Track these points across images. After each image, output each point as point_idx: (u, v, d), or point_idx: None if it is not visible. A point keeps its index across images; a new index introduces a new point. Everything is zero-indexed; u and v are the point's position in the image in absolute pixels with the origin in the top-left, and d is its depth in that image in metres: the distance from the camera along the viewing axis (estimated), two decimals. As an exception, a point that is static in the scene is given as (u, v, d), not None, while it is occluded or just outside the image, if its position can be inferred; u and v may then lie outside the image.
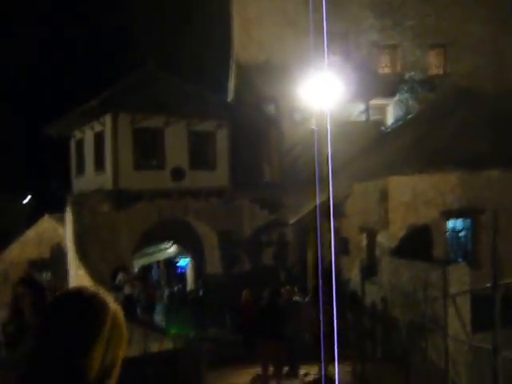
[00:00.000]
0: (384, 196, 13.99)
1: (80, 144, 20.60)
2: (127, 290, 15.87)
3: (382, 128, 22.59)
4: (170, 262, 32.94)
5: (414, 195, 13.78)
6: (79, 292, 1.71)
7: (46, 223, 25.60)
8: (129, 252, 18.54)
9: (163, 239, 22.01)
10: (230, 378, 11.39)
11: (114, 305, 1.73)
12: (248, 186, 20.22)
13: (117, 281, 16.35)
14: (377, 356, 13.19)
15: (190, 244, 21.92)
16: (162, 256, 30.42)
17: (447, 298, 9.88)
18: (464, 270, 11.24)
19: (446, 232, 14.10)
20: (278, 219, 20.24)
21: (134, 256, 27.97)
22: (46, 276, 24.93)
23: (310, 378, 10.79)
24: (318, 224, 14.19)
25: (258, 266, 20.71)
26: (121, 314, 1.74)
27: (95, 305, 1.67)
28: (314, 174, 17.94)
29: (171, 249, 27.08)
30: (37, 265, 25.02)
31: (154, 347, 13.30)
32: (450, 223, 14.31)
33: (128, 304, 15.73)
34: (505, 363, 3.82)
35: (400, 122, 22.27)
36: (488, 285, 4.04)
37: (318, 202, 13.74)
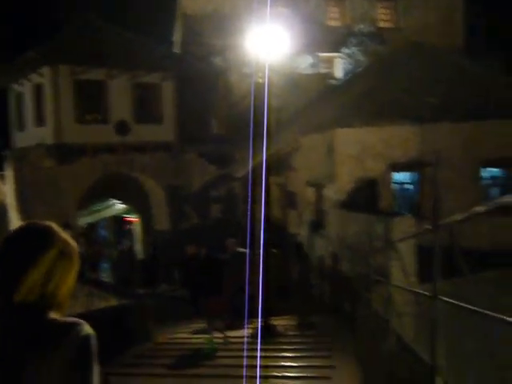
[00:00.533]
0: (331, 149, 13.92)
1: (19, 97, 19.67)
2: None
3: (331, 81, 22.42)
4: (118, 220, 32.42)
5: (362, 148, 13.75)
6: (32, 222, 1.83)
7: (-13, 181, 24.64)
8: (73, 209, 18.04)
9: (109, 195, 21.52)
10: (175, 333, 11.31)
11: (66, 235, 1.81)
12: (196, 140, 19.86)
13: (60, 238, 15.87)
14: (323, 309, 13.35)
15: (138, 200, 21.52)
16: (109, 213, 29.88)
17: (391, 248, 10.00)
18: (410, 222, 11.33)
19: (392, 185, 14.19)
20: (227, 173, 20.04)
21: (81, 213, 27.49)
22: (-11, 235, 24.20)
23: (253, 326, 10.84)
24: (264, 178, 14.06)
25: (207, 221, 20.56)
26: (73, 246, 1.83)
27: (41, 230, 1.78)
28: (261, 128, 17.75)
29: (119, 206, 26.58)
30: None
31: (100, 305, 13.07)
32: (397, 176, 14.41)
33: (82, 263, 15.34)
34: (445, 310, 3.78)
35: (349, 76, 22.13)
36: (428, 227, 3.97)
37: (264, 156, 13.56)
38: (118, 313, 11.50)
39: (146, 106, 19.19)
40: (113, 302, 13.27)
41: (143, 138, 18.78)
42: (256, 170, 18.20)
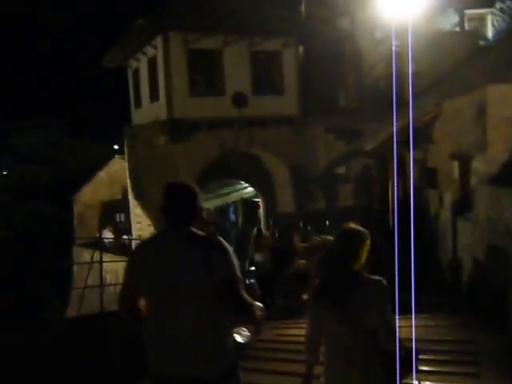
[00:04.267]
0: (482, 111, 11.19)
1: (136, 73, 18.90)
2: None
3: (481, 41, 19.12)
4: (249, 203, 31.29)
5: (522, 109, 10.89)
6: (354, 228, 3.63)
7: (116, 164, 24.61)
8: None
9: (228, 175, 20.15)
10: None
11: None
12: (321, 114, 17.81)
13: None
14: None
15: (259, 180, 19.98)
16: (238, 196, 28.88)
17: None
18: None
19: None
20: (356, 150, 17.78)
21: (207, 196, 26.62)
22: (119, 218, 24.14)
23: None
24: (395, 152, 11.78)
25: (335, 203, 18.50)
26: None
27: (360, 233, 3.58)
28: (397, 96, 15.24)
29: (248, 189, 25.38)
30: (110, 207, 24.31)
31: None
32: None
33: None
34: None
35: (503, 33, 18.73)
36: None
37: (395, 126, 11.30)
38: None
39: (265, 76, 17.42)
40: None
41: (263, 112, 17.07)
42: (390, 145, 15.81)
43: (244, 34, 16.58)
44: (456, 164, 12.76)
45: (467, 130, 11.97)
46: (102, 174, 24.70)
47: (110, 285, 16.33)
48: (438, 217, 13.98)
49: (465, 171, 12.24)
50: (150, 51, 16.98)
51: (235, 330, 3.14)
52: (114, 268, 17.47)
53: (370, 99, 17.97)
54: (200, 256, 2.85)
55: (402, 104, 16.67)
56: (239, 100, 16.79)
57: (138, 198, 16.24)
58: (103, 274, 19.22)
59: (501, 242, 9.94)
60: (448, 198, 13.19)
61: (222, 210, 31.76)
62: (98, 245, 20.11)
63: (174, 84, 16.03)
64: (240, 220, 32.92)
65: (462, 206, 12.22)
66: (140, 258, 3.11)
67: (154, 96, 17.15)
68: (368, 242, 3.43)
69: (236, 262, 2.97)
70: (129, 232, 19.63)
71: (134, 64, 18.97)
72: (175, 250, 2.97)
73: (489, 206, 10.61)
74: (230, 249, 2.95)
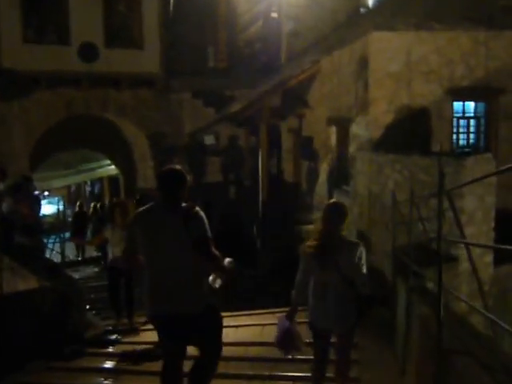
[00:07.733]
0: (363, 64, 9.46)
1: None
2: (4, 206, 11.34)
3: (362, 8, 17.67)
4: (115, 180, 28.56)
5: (408, 63, 9.28)
6: (337, 203, 4.45)
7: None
8: (24, 158, 13.91)
9: (79, 145, 17.33)
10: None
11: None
12: (189, 74, 15.53)
13: (-6, 196, 11.79)
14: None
15: (118, 152, 17.41)
16: (104, 173, 26.07)
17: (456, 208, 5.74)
18: (489, 164, 6.97)
19: (451, 117, 9.72)
20: (227, 117, 15.70)
21: (67, 172, 23.58)
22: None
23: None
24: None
25: (202, 178, 16.36)
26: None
27: (342, 208, 4.39)
28: (272, 59, 13.10)
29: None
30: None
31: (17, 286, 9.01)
32: (457, 106, 9.92)
33: (7, 227, 11.32)
34: None
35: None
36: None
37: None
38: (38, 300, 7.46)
39: (121, 26, 14.74)
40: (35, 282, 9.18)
41: (118, 68, 14.39)
42: (261, 111, 13.89)
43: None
44: (333, 130, 11.02)
45: (347, 90, 10.23)
46: None
47: None
48: (313, 192, 12.25)
49: (343, 138, 10.53)
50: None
51: (211, 280, 3.95)
52: None
53: (244, 62, 15.96)
54: (182, 221, 3.72)
55: (278, 67, 14.74)
56: (88, 52, 14.00)
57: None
58: None
59: (384, 220, 8.25)
60: (324, 170, 11.46)
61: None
62: None
63: (1, 26, 12.99)
64: (107, 199, 30.01)
65: (339, 177, 10.51)
66: (139, 222, 3.96)
67: (-20, 42, 13.95)
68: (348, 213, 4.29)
69: (207, 226, 3.82)
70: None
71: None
72: (164, 217, 3.83)
73: (370, 176, 8.91)
74: (203, 216, 3.84)
